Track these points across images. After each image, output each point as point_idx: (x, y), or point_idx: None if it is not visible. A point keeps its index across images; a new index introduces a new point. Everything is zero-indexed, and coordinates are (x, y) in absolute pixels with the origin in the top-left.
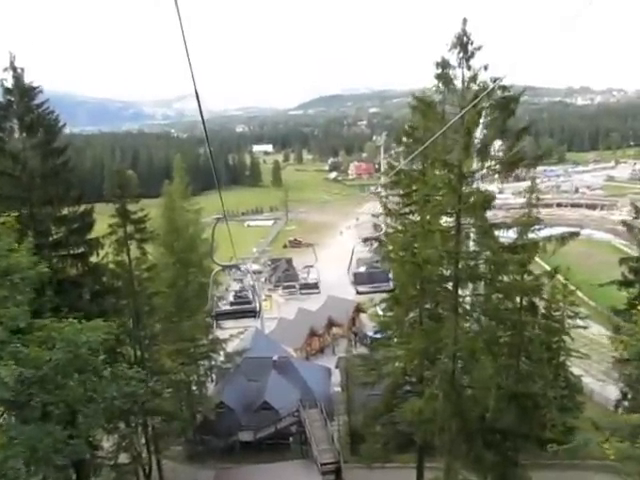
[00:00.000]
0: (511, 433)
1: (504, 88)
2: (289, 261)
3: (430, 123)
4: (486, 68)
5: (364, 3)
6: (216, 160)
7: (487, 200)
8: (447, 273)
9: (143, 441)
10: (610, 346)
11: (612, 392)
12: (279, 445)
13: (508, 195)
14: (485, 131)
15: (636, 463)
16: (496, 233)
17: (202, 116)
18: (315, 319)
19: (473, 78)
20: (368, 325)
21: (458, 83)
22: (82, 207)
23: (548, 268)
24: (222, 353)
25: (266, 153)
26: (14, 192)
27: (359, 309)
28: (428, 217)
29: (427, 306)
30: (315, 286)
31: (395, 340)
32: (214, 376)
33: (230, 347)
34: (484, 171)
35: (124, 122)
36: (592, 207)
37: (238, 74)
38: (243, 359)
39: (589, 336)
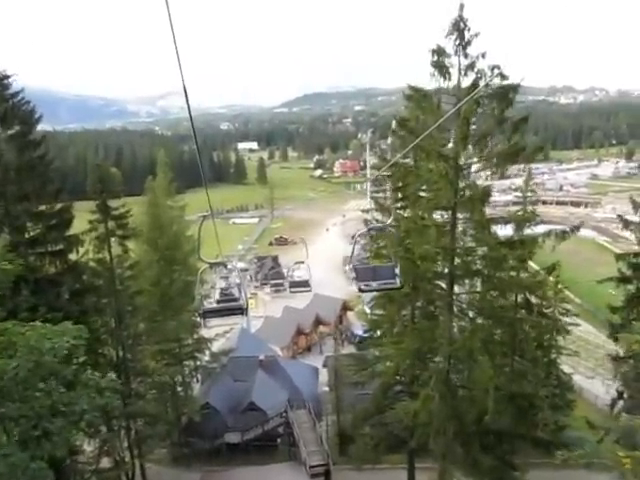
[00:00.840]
0: (508, 435)
1: (502, 76)
2: (275, 259)
3: (425, 113)
4: (484, 56)
5: (350, 1)
6: (201, 157)
7: (485, 193)
8: (442, 270)
9: (126, 445)
10: (595, 343)
11: (601, 389)
12: (267, 447)
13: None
14: (481, 122)
15: None
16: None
17: (189, 111)
18: (302, 317)
19: (470, 66)
20: (355, 323)
21: (454, 71)
22: (61, 203)
23: (535, 266)
24: (207, 353)
25: (251, 150)
26: None
27: (346, 307)
28: (422, 212)
29: (418, 304)
30: (306, 284)
31: (386, 339)
32: (199, 376)
33: (216, 346)
34: (481, 164)
35: (107, 119)
36: (577, 205)
37: (222, 72)
38: (229, 359)
39: (576, 333)
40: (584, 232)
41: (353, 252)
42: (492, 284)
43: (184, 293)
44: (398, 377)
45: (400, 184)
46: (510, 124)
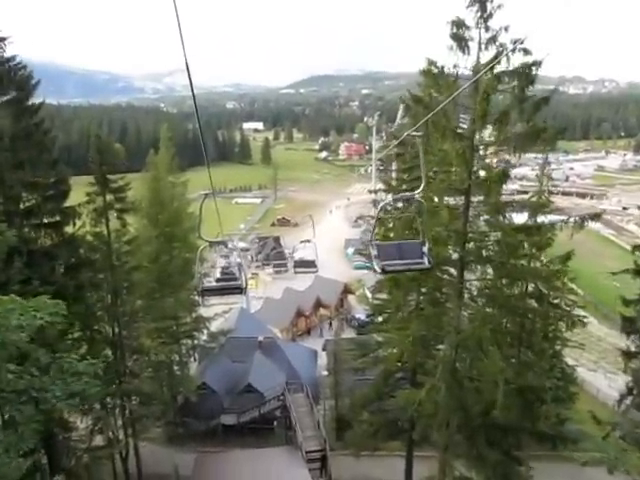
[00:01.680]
0: (514, 428)
1: (525, 51)
2: (277, 239)
3: (441, 90)
4: (506, 29)
5: None
6: (205, 135)
7: (503, 174)
8: (453, 255)
9: (120, 423)
10: (597, 336)
11: (603, 382)
12: (263, 430)
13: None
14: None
15: None
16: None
17: (192, 87)
18: (302, 299)
19: (492, 39)
20: (356, 307)
21: (474, 45)
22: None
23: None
24: (206, 332)
25: (256, 131)
26: None
27: (347, 290)
28: (433, 193)
29: (424, 290)
30: (312, 264)
31: (390, 324)
32: (197, 356)
33: (214, 326)
34: (499, 145)
35: (113, 95)
36: (582, 196)
37: (229, 51)
38: (227, 339)
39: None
40: (590, 224)
41: (375, 228)
42: (505, 271)
43: (183, 271)
44: (400, 364)
45: (412, 164)
46: (531, 103)
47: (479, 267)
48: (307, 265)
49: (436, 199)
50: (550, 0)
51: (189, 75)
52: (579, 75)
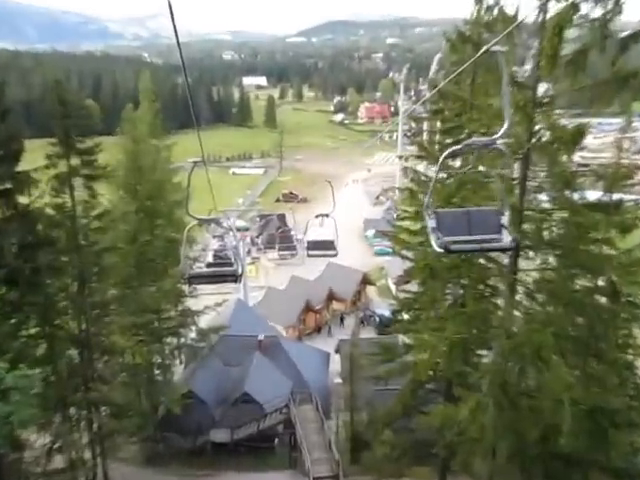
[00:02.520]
0: (582, 461)
1: None
2: (282, 218)
3: (497, 24)
4: None
5: None
6: (197, 93)
7: (578, 134)
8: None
9: (86, 440)
10: None
11: None
12: (261, 449)
13: None
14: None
15: None
16: None
17: (176, 31)
18: (312, 291)
19: None
20: (377, 301)
21: None
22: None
23: None
24: (194, 329)
25: (259, 87)
26: None
27: (366, 281)
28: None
29: (464, 281)
30: (331, 245)
31: (422, 324)
32: (182, 358)
33: (204, 322)
34: (570, 96)
35: (83, 40)
36: None
37: None
38: (220, 338)
39: None
40: None
41: (431, 192)
42: (573, 260)
43: (168, 253)
44: (432, 373)
45: (453, 124)
46: (617, 41)
47: (538, 254)
48: (324, 247)
49: (481, 168)
50: None
51: (172, 15)
52: None
